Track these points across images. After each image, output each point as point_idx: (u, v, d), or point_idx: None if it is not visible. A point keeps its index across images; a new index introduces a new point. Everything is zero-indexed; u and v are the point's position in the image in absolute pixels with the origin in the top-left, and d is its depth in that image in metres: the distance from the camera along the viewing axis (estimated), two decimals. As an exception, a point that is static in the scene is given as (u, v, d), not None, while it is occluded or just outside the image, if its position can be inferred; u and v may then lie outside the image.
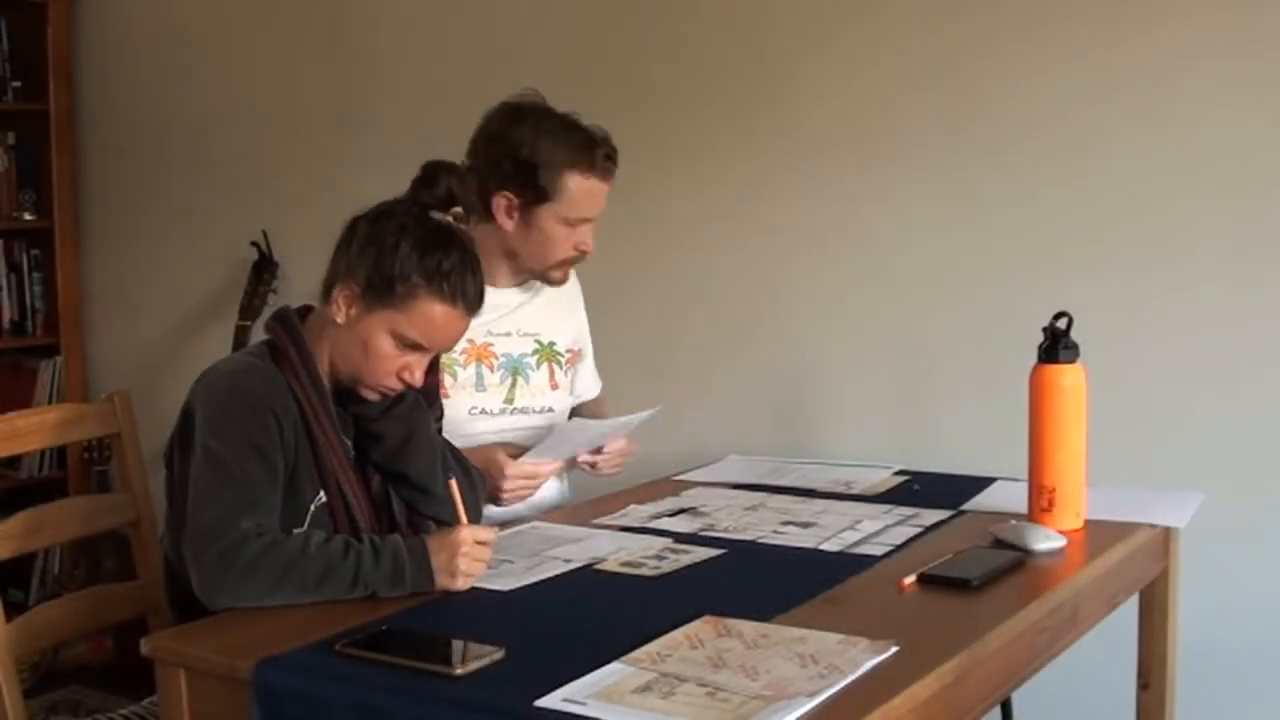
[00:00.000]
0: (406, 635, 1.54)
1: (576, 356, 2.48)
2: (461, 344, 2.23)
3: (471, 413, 2.31)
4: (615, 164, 2.30)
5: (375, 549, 1.71)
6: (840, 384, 2.88)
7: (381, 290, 1.81)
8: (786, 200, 2.94)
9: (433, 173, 1.92)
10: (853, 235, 2.86)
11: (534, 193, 2.24)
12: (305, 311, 1.93)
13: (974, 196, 2.73)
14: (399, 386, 1.87)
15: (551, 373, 2.42)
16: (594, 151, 2.25)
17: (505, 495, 2.22)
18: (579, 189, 2.25)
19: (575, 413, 2.49)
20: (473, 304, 1.86)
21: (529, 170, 2.23)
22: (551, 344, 2.42)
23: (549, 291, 2.42)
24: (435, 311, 1.82)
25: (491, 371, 2.34)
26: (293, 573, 1.68)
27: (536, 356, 2.40)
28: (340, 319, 1.84)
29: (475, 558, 1.73)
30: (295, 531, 1.75)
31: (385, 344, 1.83)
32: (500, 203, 2.26)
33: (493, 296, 2.31)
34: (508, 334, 2.37)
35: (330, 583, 1.68)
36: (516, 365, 2.37)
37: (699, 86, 3.02)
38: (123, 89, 3.97)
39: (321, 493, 1.84)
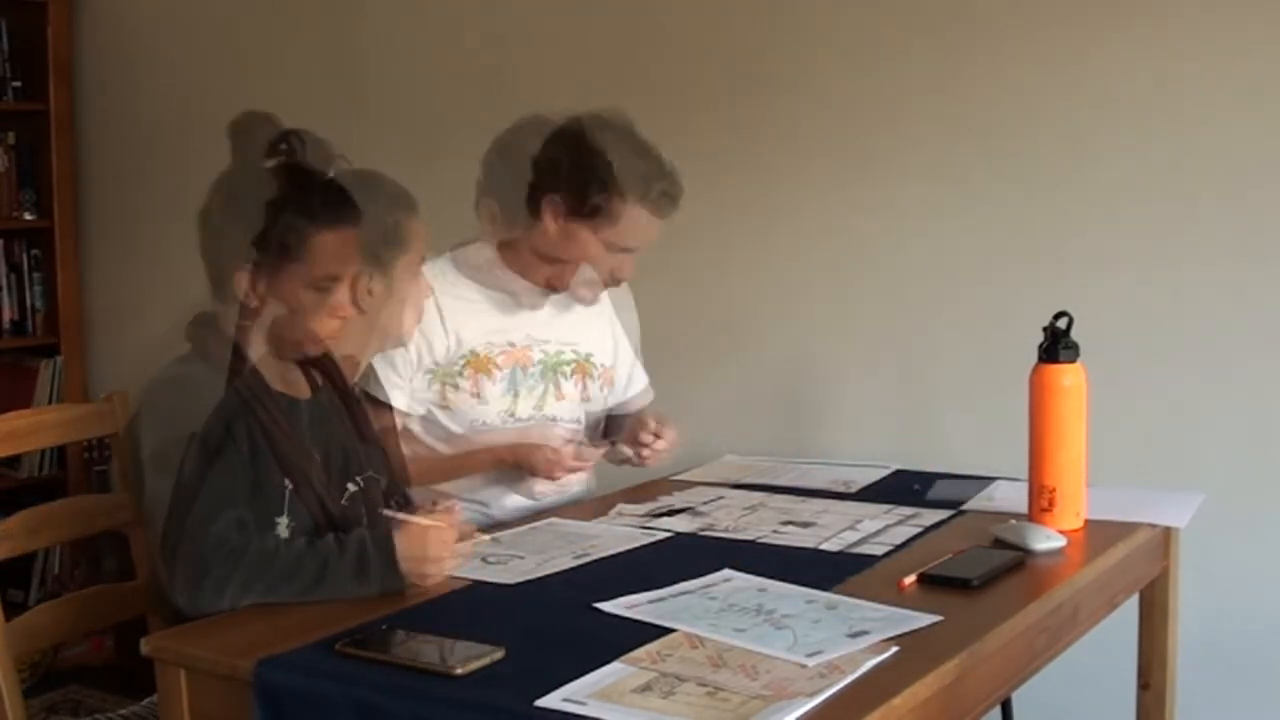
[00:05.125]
0: (406, 635, 1.54)
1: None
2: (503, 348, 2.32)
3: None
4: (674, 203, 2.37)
5: (340, 545, 1.71)
6: (840, 383, 2.88)
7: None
8: (786, 199, 2.94)
9: (277, 139, 1.93)
10: (852, 234, 2.86)
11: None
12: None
13: (974, 196, 2.73)
14: None
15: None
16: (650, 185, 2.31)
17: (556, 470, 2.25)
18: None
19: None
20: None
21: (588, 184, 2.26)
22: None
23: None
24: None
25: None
26: (261, 575, 1.67)
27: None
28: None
29: (444, 556, 1.74)
30: (268, 535, 1.73)
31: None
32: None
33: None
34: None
35: (295, 581, 1.68)
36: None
37: (698, 87, 3.02)
38: (123, 89, 3.96)
39: (287, 481, 1.81)
